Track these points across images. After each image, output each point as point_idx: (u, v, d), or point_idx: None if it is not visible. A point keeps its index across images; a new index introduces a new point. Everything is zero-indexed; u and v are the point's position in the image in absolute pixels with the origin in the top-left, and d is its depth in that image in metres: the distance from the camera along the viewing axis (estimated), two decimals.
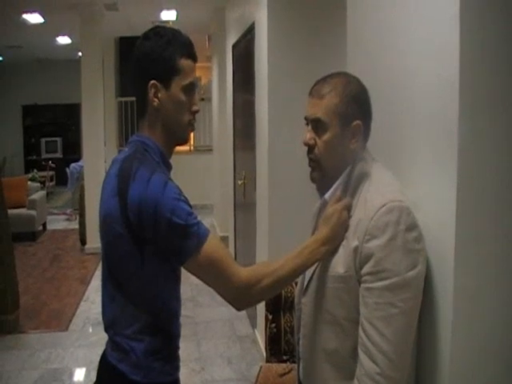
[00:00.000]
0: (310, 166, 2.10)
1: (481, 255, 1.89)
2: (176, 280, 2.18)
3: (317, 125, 2.03)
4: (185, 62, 2.09)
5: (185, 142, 2.23)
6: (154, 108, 2.10)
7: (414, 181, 2.15)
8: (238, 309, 2.11)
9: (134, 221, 1.94)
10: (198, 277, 2.04)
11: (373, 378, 1.83)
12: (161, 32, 2.12)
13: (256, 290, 2.01)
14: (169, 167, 2.18)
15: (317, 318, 2.06)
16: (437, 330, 1.98)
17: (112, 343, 2.12)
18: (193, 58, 2.14)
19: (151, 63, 2.07)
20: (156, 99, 2.08)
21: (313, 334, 2.08)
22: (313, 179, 2.11)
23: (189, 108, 2.14)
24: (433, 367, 2.02)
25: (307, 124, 2.08)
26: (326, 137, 2.02)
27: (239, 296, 2.04)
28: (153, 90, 2.07)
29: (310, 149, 2.06)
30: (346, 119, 2.01)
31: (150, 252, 1.99)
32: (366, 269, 1.87)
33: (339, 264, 1.96)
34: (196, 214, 1.98)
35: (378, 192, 1.95)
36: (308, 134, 2.06)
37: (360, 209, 1.96)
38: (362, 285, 1.88)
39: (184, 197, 2.00)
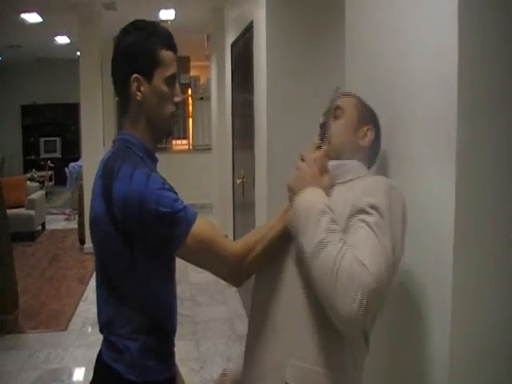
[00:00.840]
0: (317, 142, 2.19)
1: (480, 255, 1.89)
2: (170, 277, 2.17)
3: (336, 112, 2.21)
4: (166, 54, 2.10)
5: (170, 134, 2.23)
6: (137, 102, 2.09)
7: (413, 180, 2.15)
8: (237, 283, 2.11)
9: (120, 219, 1.94)
10: (192, 261, 2.03)
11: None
12: (140, 25, 2.12)
13: (251, 258, 2.01)
14: (155, 160, 2.18)
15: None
16: (436, 330, 1.98)
17: (107, 343, 2.11)
18: (173, 49, 2.14)
19: (132, 57, 2.07)
20: (139, 93, 2.08)
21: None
22: (318, 146, 2.17)
23: (171, 99, 2.13)
24: (433, 367, 2.02)
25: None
26: (341, 121, 2.20)
27: (236, 270, 2.03)
28: (135, 84, 2.07)
29: (324, 130, 2.19)
30: (361, 118, 2.22)
31: (140, 249, 1.99)
32: (360, 206, 1.83)
33: None
34: (182, 200, 1.97)
35: (370, 178, 2.05)
36: (323, 118, 2.22)
37: (349, 192, 1.94)
38: (355, 217, 1.83)
39: (168, 185, 1.99)
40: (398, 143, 2.31)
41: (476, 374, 1.92)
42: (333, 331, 1.78)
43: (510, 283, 1.91)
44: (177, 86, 2.17)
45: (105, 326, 2.13)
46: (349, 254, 1.68)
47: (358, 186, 1.94)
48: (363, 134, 2.20)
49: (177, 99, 2.15)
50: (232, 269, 2.03)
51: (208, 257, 2.00)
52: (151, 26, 2.12)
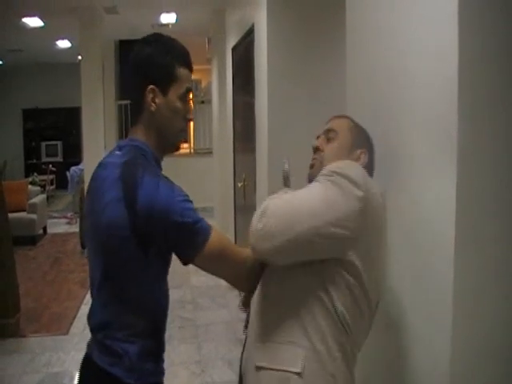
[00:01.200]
0: (311, 162, 2.25)
1: (480, 255, 1.89)
2: (166, 278, 2.20)
3: (329, 134, 2.24)
4: (182, 71, 2.15)
5: (175, 149, 2.26)
6: (150, 112, 2.12)
7: (414, 181, 2.15)
8: (253, 288, 2.16)
9: (142, 226, 1.96)
10: (208, 270, 2.11)
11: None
12: (161, 39, 2.19)
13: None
14: (161, 170, 2.21)
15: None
16: (437, 331, 1.98)
17: (101, 346, 2.09)
18: (189, 67, 2.20)
19: (151, 68, 2.11)
20: (153, 104, 2.11)
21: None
22: (311, 166, 2.25)
23: (183, 116, 2.18)
24: (433, 367, 2.02)
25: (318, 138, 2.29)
26: (334, 144, 2.22)
27: (251, 275, 2.13)
28: (151, 95, 2.10)
29: (317, 151, 2.24)
30: (354, 141, 2.23)
31: (154, 253, 2.01)
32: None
33: None
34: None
35: None
36: (319, 140, 2.27)
37: None
38: None
39: (187, 195, 2.05)
40: (398, 144, 2.31)
41: (476, 374, 1.92)
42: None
43: (510, 283, 1.91)
44: (190, 103, 2.24)
45: (99, 329, 2.12)
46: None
47: None
48: (357, 158, 2.19)
49: (189, 116, 2.20)
50: (247, 274, 2.12)
51: (225, 265, 2.10)
52: (170, 41, 2.19)
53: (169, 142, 2.20)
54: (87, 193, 2.20)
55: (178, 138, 2.23)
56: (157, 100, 2.10)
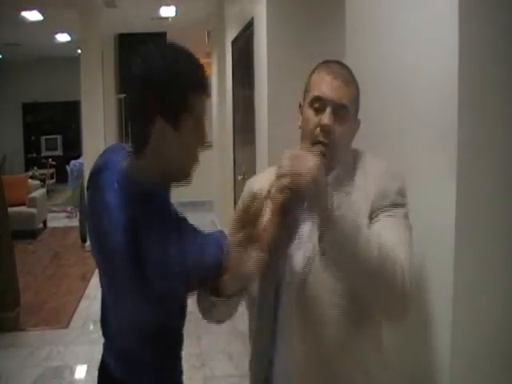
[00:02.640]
0: (319, 146, 1.90)
1: (480, 253, 1.89)
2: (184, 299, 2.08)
3: (340, 111, 1.89)
4: (197, 98, 1.83)
5: (187, 179, 1.93)
6: (157, 146, 1.82)
7: (415, 169, 2.14)
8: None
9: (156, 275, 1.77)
10: None
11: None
12: (171, 56, 1.83)
13: None
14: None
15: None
16: (437, 326, 1.98)
17: (117, 352, 2.03)
18: (206, 92, 1.86)
19: (160, 96, 1.77)
20: (161, 138, 1.81)
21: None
22: (323, 150, 1.90)
23: (195, 144, 1.88)
24: (433, 361, 2.02)
25: (320, 106, 1.91)
26: (347, 125, 1.91)
27: None
28: (158, 128, 1.79)
29: (326, 133, 1.89)
30: (355, 111, 1.98)
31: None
32: (385, 202, 1.86)
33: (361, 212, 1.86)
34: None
35: (375, 161, 1.99)
36: (328, 117, 1.88)
37: (361, 181, 1.93)
38: (382, 214, 1.85)
39: (196, 227, 1.87)
40: (398, 140, 2.30)
41: (476, 368, 1.92)
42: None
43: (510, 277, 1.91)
44: (205, 126, 1.89)
45: (113, 335, 2.05)
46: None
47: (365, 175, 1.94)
48: (356, 129, 2.00)
49: (204, 143, 1.91)
50: None
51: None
52: (183, 59, 1.84)
53: (178, 175, 1.91)
54: (89, 191, 2.01)
55: (190, 168, 1.91)
56: (166, 134, 1.80)
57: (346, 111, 1.89)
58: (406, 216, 1.86)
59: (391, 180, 1.90)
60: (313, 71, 2.02)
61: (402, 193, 1.88)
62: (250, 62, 6.20)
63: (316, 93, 1.92)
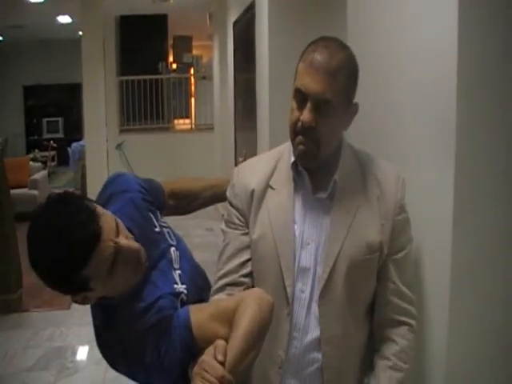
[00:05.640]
0: (301, 146, 1.84)
1: (478, 253, 1.90)
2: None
3: (322, 105, 1.76)
4: (92, 269, 1.63)
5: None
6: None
7: (412, 172, 2.15)
8: None
9: None
10: None
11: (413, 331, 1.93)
12: (56, 225, 1.62)
13: None
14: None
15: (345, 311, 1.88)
16: (434, 317, 2.00)
17: None
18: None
19: (57, 281, 1.70)
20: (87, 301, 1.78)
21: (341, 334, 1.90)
22: (303, 154, 1.85)
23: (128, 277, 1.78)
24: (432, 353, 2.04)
25: (301, 99, 1.80)
26: (331, 120, 1.79)
27: None
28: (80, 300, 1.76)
29: (307, 129, 1.79)
30: (349, 100, 1.84)
31: None
32: (401, 240, 1.89)
33: (372, 232, 1.86)
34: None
35: (382, 164, 1.97)
36: (308, 114, 1.77)
37: (373, 185, 1.90)
38: (397, 256, 1.89)
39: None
40: (399, 140, 2.29)
41: (473, 352, 1.94)
42: None
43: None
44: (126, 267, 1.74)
45: None
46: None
47: (377, 180, 1.93)
48: (349, 117, 1.88)
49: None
50: None
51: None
52: (69, 224, 1.61)
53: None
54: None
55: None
56: (87, 298, 1.75)
57: (329, 106, 1.76)
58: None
59: (404, 203, 1.92)
60: (302, 54, 1.89)
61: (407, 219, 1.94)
62: (251, 44, 6.19)
63: (298, 84, 1.82)
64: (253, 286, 1.94)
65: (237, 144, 8.12)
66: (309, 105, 1.77)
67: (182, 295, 1.86)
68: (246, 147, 6.87)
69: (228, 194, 2.06)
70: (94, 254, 1.60)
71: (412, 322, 1.91)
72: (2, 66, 17.99)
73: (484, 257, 1.90)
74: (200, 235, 9.33)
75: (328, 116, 1.77)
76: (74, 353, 5.43)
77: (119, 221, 1.75)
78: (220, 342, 1.64)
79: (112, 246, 1.65)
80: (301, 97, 1.80)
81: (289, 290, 1.87)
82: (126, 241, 1.72)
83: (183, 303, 1.84)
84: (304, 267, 1.88)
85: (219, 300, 1.88)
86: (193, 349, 1.71)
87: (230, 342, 1.64)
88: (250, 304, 1.70)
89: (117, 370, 1.85)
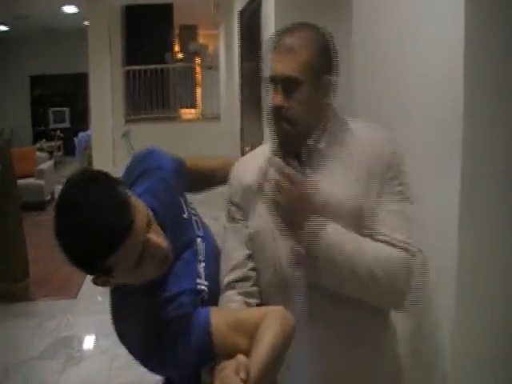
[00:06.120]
0: (278, 128, 1.84)
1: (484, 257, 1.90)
2: None
3: (289, 83, 1.77)
4: (117, 259, 1.59)
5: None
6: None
7: (418, 174, 2.13)
8: None
9: None
10: None
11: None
12: (78, 211, 1.61)
13: None
14: None
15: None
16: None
17: None
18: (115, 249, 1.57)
19: (80, 263, 1.63)
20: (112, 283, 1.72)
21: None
22: (287, 136, 1.83)
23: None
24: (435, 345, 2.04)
25: (274, 84, 1.82)
26: (300, 95, 1.78)
27: None
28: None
29: (279, 112, 1.80)
30: (318, 73, 1.80)
31: None
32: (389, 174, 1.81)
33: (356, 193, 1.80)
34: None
35: (368, 128, 1.93)
36: (278, 96, 1.80)
37: (359, 151, 1.84)
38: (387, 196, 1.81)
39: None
40: (405, 134, 2.28)
41: (474, 352, 1.94)
42: None
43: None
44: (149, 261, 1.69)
45: None
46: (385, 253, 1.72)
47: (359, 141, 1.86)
48: (324, 91, 1.83)
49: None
50: None
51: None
52: (88, 212, 1.58)
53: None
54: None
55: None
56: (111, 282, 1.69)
57: (298, 82, 1.77)
58: (408, 189, 1.83)
59: (387, 144, 1.86)
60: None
61: (401, 160, 1.85)
62: (257, 33, 6.17)
63: (267, 72, 1.85)
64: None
65: (243, 133, 8.12)
66: (278, 88, 1.79)
67: (204, 294, 1.82)
68: (252, 136, 6.87)
69: (226, 192, 2.04)
70: (123, 246, 1.55)
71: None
72: (9, 57, 17.99)
73: (485, 257, 1.90)
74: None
75: (297, 93, 1.77)
76: (81, 342, 5.45)
77: (151, 214, 1.70)
78: (242, 359, 1.60)
79: (141, 242, 1.61)
80: (272, 82, 1.82)
81: (288, 282, 1.85)
82: (156, 238, 1.67)
83: (203, 302, 1.80)
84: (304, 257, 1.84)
85: (241, 310, 1.84)
86: (209, 353, 1.69)
87: (252, 357, 1.61)
88: (274, 321, 1.67)
89: (131, 353, 1.80)
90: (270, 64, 1.82)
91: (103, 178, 1.64)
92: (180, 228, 1.88)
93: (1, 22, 15.28)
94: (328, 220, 1.73)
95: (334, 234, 1.72)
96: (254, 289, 1.92)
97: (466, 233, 1.86)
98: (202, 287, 1.84)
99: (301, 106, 1.79)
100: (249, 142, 7.03)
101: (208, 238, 1.99)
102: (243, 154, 7.92)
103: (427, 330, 2.07)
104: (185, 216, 1.93)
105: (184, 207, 1.95)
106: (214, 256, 1.97)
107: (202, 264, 1.88)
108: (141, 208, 1.65)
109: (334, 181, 1.81)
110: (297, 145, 1.86)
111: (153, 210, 1.74)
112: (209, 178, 2.32)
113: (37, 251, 8.00)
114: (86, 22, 10.31)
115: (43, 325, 5.79)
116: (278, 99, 1.79)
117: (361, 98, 2.86)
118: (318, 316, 1.83)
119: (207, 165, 2.36)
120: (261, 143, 5.90)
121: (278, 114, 1.81)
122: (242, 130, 8.26)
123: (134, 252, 1.60)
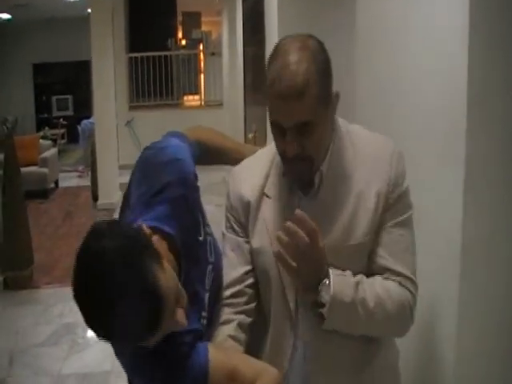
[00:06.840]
0: (294, 175, 1.81)
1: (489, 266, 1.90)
2: None
3: (302, 127, 1.66)
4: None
5: None
6: None
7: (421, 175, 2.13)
8: None
9: None
10: None
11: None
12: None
13: None
14: None
15: None
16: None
17: None
18: None
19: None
20: None
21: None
22: (301, 175, 1.79)
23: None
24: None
25: (281, 130, 1.70)
26: (316, 134, 1.69)
27: None
28: None
29: (298, 155, 1.70)
30: (327, 99, 1.70)
31: None
32: (392, 212, 1.77)
33: (358, 231, 1.76)
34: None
35: (374, 141, 1.86)
36: (291, 145, 1.69)
37: (363, 169, 1.79)
38: (389, 223, 1.77)
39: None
40: (408, 128, 2.27)
41: (482, 353, 1.94)
42: None
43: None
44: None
45: None
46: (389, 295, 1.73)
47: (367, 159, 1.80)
48: (333, 110, 1.76)
49: None
50: None
51: None
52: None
53: None
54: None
55: None
56: None
57: (312, 123, 1.66)
58: (411, 210, 1.80)
59: (392, 162, 1.79)
60: (268, 67, 1.76)
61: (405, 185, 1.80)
62: (260, 19, 6.14)
63: (272, 118, 1.73)
64: (256, 296, 1.92)
65: (246, 119, 8.11)
66: (288, 136, 1.69)
67: (201, 333, 1.77)
68: (255, 123, 6.85)
69: (225, 203, 2.00)
70: (156, 330, 1.48)
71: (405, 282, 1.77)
72: (11, 45, 17.98)
73: (491, 257, 1.90)
74: (209, 211, 9.33)
75: (311, 132, 1.68)
76: (85, 329, 5.44)
77: (180, 287, 1.57)
78: None
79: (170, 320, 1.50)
80: (279, 128, 1.71)
81: (291, 304, 1.83)
82: (182, 317, 1.54)
83: (199, 338, 1.75)
84: None
85: (237, 355, 1.80)
86: None
87: None
88: None
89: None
90: (275, 112, 1.71)
91: (126, 246, 1.44)
92: (195, 259, 1.80)
93: (3, 10, 15.22)
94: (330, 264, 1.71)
95: (339, 284, 1.68)
96: (249, 306, 1.89)
97: (470, 223, 1.86)
98: (204, 321, 1.81)
99: (316, 143, 1.72)
100: (252, 128, 7.02)
101: (217, 264, 1.93)
102: (246, 140, 7.91)
103: (433, 334, 2.07)
104: (200, 239, 1.86)
105: (201, 227, 1.88)
106: (218, 286, 1.91)
107: (207, 294, 1.84)
108: (170, 278, 1.51)
109: (333, 215, 1.78)
110: (309, 178, 1.80)
111: (173, 238, 1.67)
112: (218, 158, 2.28)
113: (40, 239, 8.04)
114: (89, 10, 10.26)
115: (47, 312, 5.83)
116: (292, 147, 1.69)
117: (364, 91, 2.85)
118: (321, 339, 1.82)
119: (221, 144, 2.30)
120: (264, 129, 5.91)
121: (296, 158, 1.71)
122: (245, 116, 8.25)
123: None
